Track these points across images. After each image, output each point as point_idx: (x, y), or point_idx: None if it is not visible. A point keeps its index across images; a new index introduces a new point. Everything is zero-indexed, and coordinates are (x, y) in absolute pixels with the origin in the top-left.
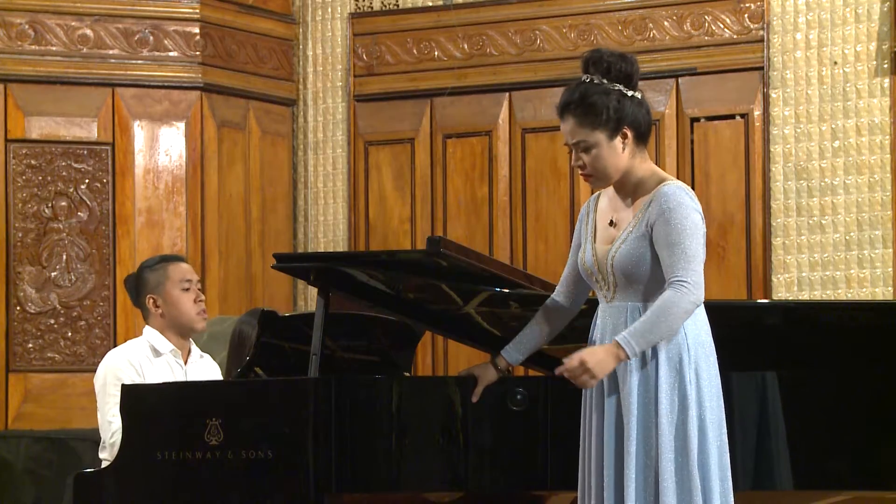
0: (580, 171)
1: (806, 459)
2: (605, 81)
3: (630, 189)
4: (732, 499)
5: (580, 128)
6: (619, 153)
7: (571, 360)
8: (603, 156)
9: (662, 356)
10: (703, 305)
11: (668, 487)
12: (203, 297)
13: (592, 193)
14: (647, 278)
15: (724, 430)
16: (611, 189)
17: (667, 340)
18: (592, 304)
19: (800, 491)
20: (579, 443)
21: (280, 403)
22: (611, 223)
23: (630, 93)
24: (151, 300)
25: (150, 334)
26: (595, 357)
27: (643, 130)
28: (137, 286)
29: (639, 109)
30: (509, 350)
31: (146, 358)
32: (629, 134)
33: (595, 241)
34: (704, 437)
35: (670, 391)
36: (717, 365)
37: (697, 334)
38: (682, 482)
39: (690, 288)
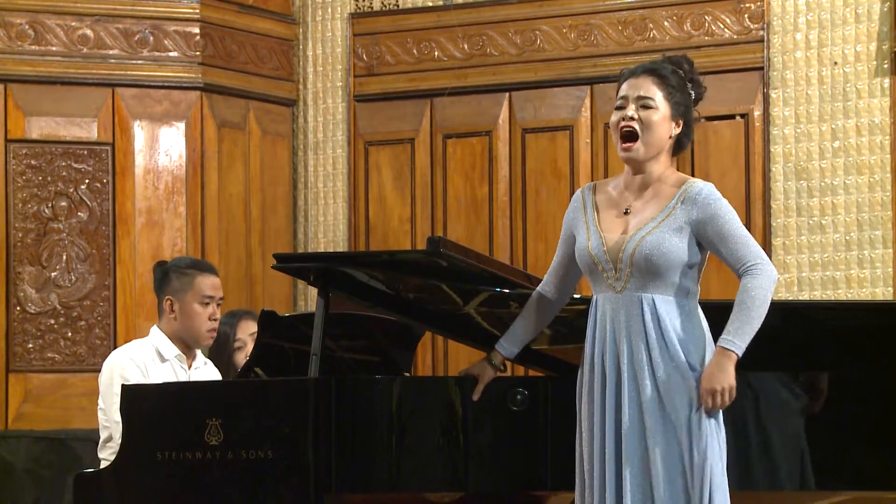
0: (627, 125)
1: (806, 459)
2: (686, 83)
3: (650, 181)
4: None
5: (655, 87)
6: (667, 133)
7: (706, 401)
8: (659, 120)
9: (671, 359)
10: (700, 307)
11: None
12: (218, 315)
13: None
14: (666, 270)
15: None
16: (619, 180)
17: (671, 347)
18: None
19: (800, 491)
20: (577, 444)
21: (280, 403)
22: (626, 212)
23: (694, 106)
24: (169, 302)
25: (157, 338)
26: (713, 378)
27: (685, 139)
28: (161, 282)
29: (693, 122)
30: (503, 344)
31: (151, 360)
32: (679, 128)
33: (602, 230)
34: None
35: (685, 394)
36: None
37: (701, 335)
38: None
39: (763, 267)
